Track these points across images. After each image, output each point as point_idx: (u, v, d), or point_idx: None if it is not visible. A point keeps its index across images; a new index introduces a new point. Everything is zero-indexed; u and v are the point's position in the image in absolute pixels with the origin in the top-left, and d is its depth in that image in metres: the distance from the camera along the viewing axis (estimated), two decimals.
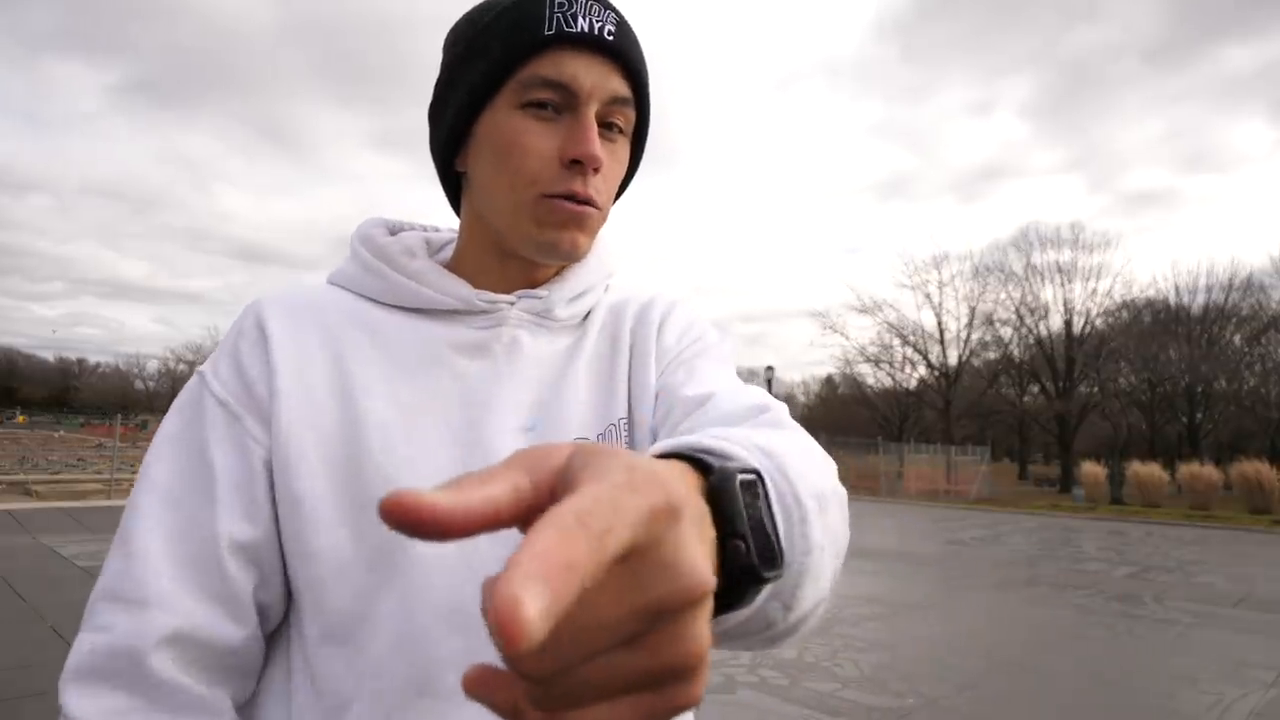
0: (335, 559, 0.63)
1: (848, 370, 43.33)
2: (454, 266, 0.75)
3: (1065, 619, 6.65)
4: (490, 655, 0.57)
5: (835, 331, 37.84)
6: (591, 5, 0.66)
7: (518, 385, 0.70)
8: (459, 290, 0.70)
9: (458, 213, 0.77)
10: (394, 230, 0.78)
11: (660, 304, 0.81)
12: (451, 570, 0.63)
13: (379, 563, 0.62)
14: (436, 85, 0.72)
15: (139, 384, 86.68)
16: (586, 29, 0.64)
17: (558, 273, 0.75)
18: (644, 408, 0.73)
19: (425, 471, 0.64)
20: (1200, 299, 35.01)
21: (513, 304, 0.71)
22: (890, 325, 37.20)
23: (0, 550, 7.72)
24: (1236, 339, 34.54)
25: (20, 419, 62.54)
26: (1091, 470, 22.30)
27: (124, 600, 0.60)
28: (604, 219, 0.71)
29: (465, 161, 0.71)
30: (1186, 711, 4.34)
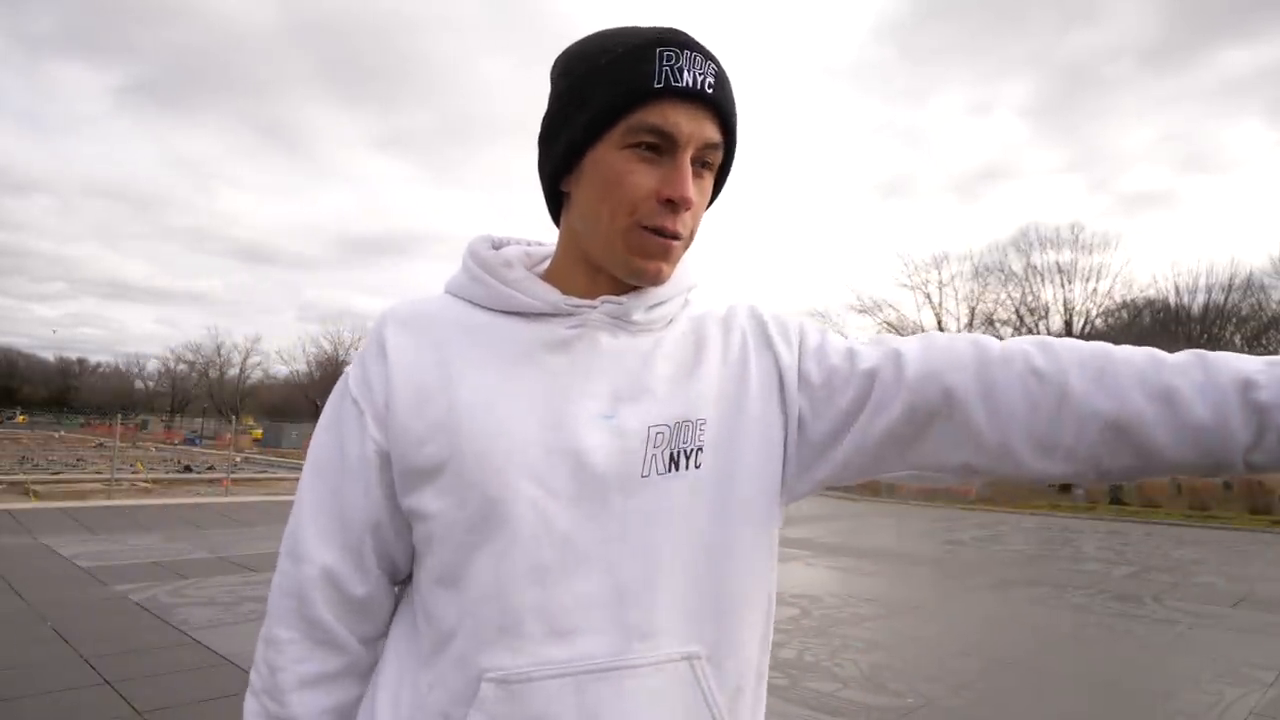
0: (443, 521, 0.76)
1: None
2: (550, 275, 0.85)
3: (1065, 619, 6.66)
4: (562, 605, 0.75)
5: (835, 332, 37.84)
6: (696, 58, 0.75)
7: (596, 377, 0.79)
8: (549, 295, 0.81)
9: (557, 224, 0.86)
10: (498, 245, 0.89)
11: (742, 315, 0.90)
12: (532, 536, 0.74)
13: (476, 525, 0.75)
14: (547, 114, 0.81)
15: (139, 384, 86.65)
16: (690, 84, 0.74)
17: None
18: (734, 429, 0.81)
19: (508, 447, 0.75)
20: (1200, 299, 35.04)
21: (595, 308, 0.81)
22: (890, 325, 37.22)
23: (1, 550, 7.72)
24: (1236, 339, 34.52)
25: (20, 419, 62.55)
26: None
27: (291, 554, 0.81)
28: (688, 245, 0.81)
29: (570, 184, 0.80)
30: (1186, 711, 4.34)
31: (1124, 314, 35.49)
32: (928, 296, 36.80)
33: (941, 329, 37.01)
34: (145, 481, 16.77)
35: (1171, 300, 35.88)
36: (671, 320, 0.86)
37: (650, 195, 0.75)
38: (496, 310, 0.83)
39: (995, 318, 36.08)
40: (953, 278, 37.05)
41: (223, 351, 72.02)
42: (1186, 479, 19.66)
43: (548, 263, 0.88)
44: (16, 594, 5.96)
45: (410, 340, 0.82)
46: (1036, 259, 35.65)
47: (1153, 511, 18.50)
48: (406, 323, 0.84)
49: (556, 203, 0.85)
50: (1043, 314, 35.26)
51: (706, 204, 0.82)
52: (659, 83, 0.73)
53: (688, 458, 0.78)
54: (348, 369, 0.86)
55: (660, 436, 0.78)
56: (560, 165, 0.80)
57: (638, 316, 0.82)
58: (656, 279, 0.79)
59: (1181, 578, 8.97)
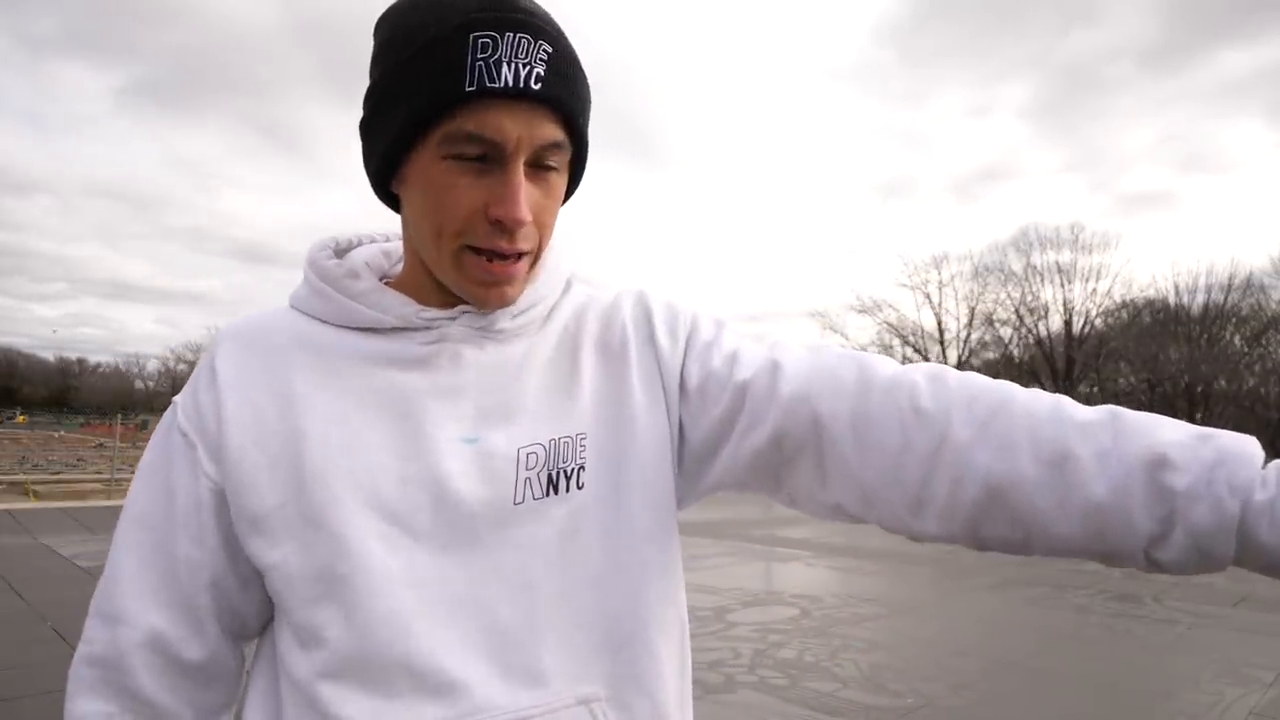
0: (286, 571, 0.67)
1: None
2: (402, 282, 0.75)
3: (1065, 619, 6.65)
4: (433, 657, 0.63)
5: (835, 331, 37.89)
6: (520, 42, 0.62)
7: (458, 397, 0.70)
8: (400, 309, 0.71)
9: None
10: (342, 249, 0.79)
11: (627, 306, 0.79)
12: (388, 582, 0.65)
13: (324, 574, 0.66)
14: (367, 92, 0.69)
15: (139, 384, 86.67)
16: (511, 80, 0.61)
17: None
18: (620, 441, 0.72)
19: (363, 481, 0.67)
20: (1200, 299, 35.05)
21: (454, 319, 0.71)
22: (890, 325, 37.28)
23: (1, 550, 7.72)
24: (1236, 339, 34.55)
25: (20, 419, 62.53)
26: None
27: (104, 615, 0.69)
28: (539, 251, 0.71)
29: (400, 189, 0.70)
30: (1186, 711, 4.34)
31: (1124, 314, 35.53)
32: (927, 296, 36.90)
33: (941, 329, 37.02)
34: None
35: (1171, 300, 35.91)
36: (549, 317, 0.77)
37: (478, 214, 0.64)
38: (342, 326, 0.73)
39: (995, 317, 36.13)
40: (953, 278, 37.14)
41: None
42: None
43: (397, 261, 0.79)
44: (16, 594, 5.96)
45: (245, 361, 0.71)
46: (1036, 259, 35.74)
47: None
48: (242, 341, 0.73)
49: (382, 199, 0.74)
50: (1043, 314, 35.35)
51: (559, 204, 0.71)
52: (471, 85, 0.61)
53: (568, 478, 0.70)
54: (176, 399, 0.73)
55: (533, 457, 0.69)
56: (383, 168, 0.69)
57: (504, 324, 0.72)
58: (502, 303, 0.70)
59: (1181, 578, 8.95)
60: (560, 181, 0.70)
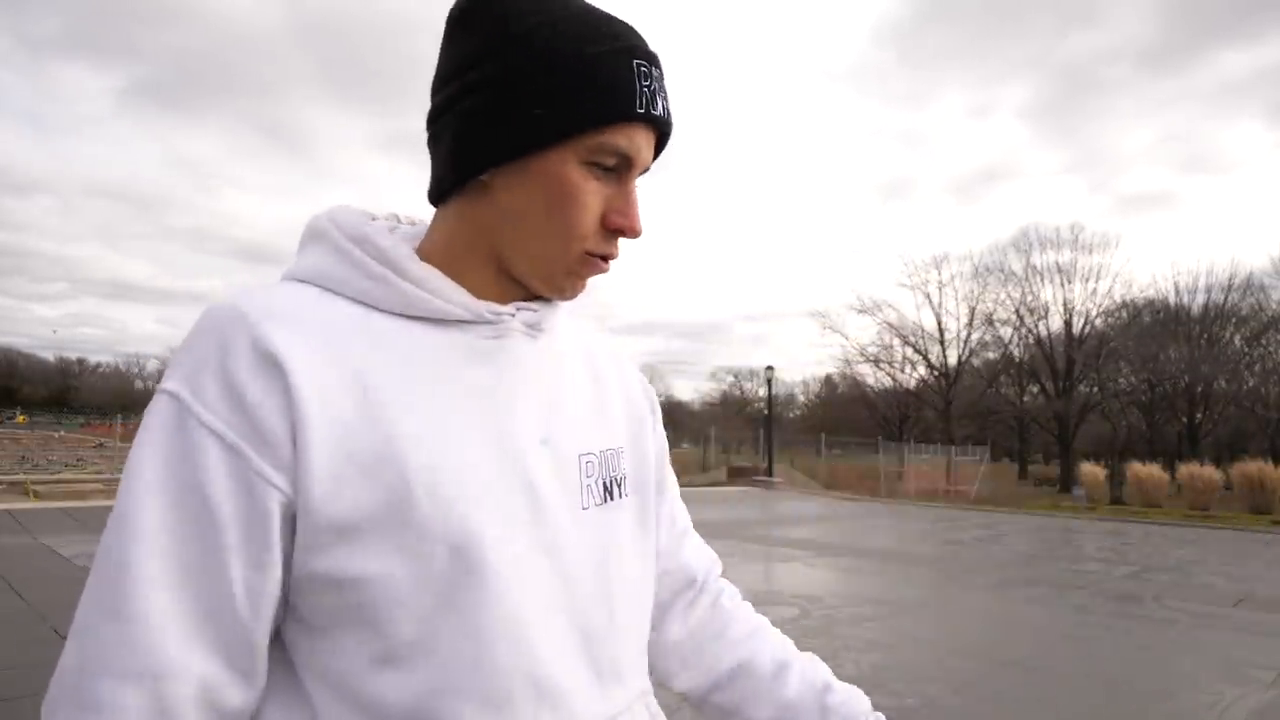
0: (388, 583, 0.60)
1: (848, 370, 43.44)
2: (435, 266, 0.71)
3: (1065, 619, 6.65)
4: (545, 662, 0.66)
5: (835, 331, 37.91)
6: (660, 77, 0.69)
7: (525, 397, 0.71)
8: (468, 301, 0.69)
9: (434, 201, 0.73)
10: (373, 220, 0.75)
11: (633, 367, 0.90)
12: (506, 588, 0.63)
13: (442, 584, 0.61)
14: (483, 80, 0.65)
15: (139, 384, 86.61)
16: (660, 113, 0.68)
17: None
18: (640, 464, 0.83)
19: (470, 485, 0.63)
20: (1200, 299, 35.07)
21: (513, 315, 0.71)
22: (890, 325, 37.27)
23: (1, 550, 7.72)
24: (1236, 339, 34.52)
25: (20, 419, 62.52)
26: (1091, 470, 22.30)
27: (131, 674, 0.55)
28: None
29: (499, 177, 0.67)
30: (1186, 711, 4.34)
31: (1124, 314, 35.53)
32: (927, 296, 36.88)
33: (941, 329, 37.05)
34: None
35: (1171, 300, 35.95)
36: (558, 326, 0.81)
37: (601, 220, 0.69)
38: (393, 313, 0.67)
39: (995, 317, 36.13)
40: (953, 278, 37.16)
41: None
42: (1187, 479, 19.71)
43: (416, 244, 0.73)
44: (16, 594, 5.96)
45: (308, 347, 0.61)
46: (1036, 259, 35.73)
47: (1153, 511, 18.50)
48: (289, 323, 0.62)
49: (457, 185, 0.70)
50: (1043, 314, 35.36)
51: None
52: (641, 108, 0.66)
53: (618, 486, 0.76)
54: (167, 390, 0.60)
55: (590, 465, 0.74)
56: (496, 157, 0.66)
57: (546, 324, 0.75)
58: (574, 297, 0.74)
59: (1181, 578, 8.97)
60: None
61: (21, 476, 17.04)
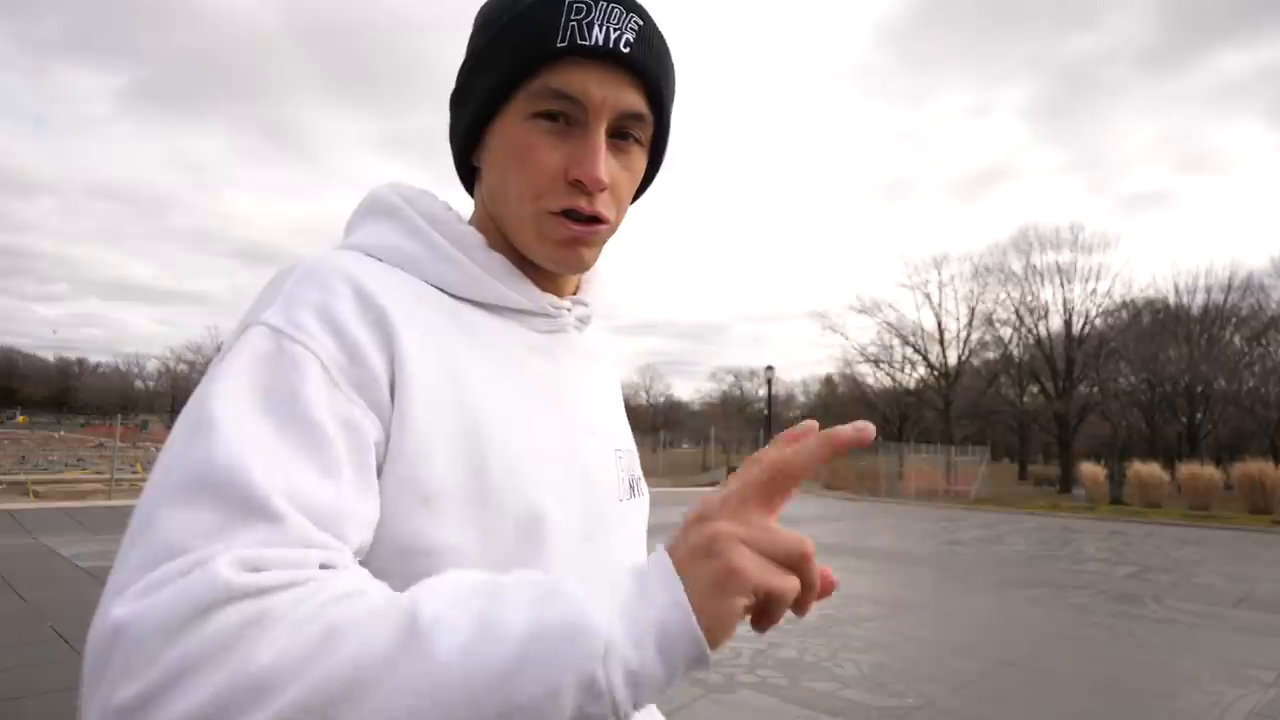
0: (458, 555, 0.57)
1: (848, 370, 43.44)
2: None
3: (1065, 619, 6.65)
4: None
5: (835, 331, 37.91)
6: (613, 10, 0.63)
7: (577, 390, 0.72)
8: (533, 293, 0.70)
9: (471, 195, 0.76)
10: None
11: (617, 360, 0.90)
12: (560, 565, 0.63)
13: (496, 559, 0.60)
14: (460, 71, 0.70)
15: (139, 384, 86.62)
16: (601, 40, 0.62)
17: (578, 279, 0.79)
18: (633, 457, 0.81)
19: (541, 468, 0.64)
20: (1200, 299, 35.07)
21: (569, 310, 0.73)
22: (890, 325, 37.27)
23: (0, 550, 7.72)
24: (1236, 339, 34.52)
25: (21, 419, 62.51)
26: (1091, 470, 22.30)
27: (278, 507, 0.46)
28: (613, 230, 0.70)
29: (481, 159, 0.70)
30: (1186, 711, 4.33)
31: (1124, 314, 35.50)
32: (927, 296, 36.84)
33: (941, 329, 36.99)
34: (145, 481, 16.75)
35: (1171, 300, 35.94)
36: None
37: (558, 173, 0.64)
38: (459, 298, 0.67)
39: (995, 317, 36.10)
40: (953, 278, 37.14)
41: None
42: (1187, 479, 19.72)
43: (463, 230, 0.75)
44: (16, 594, 5.96)
45: (401, 308, 0.60)
46: (1036, 259, 35.69)
47: (1153, 511, 18.50)
48: (392, 290, 0.61)
49: (469, 175, 0.74)
50: (1043, 314, 35.32)
51: (637, 183, 0.70)
52: (563, 41, 0.61)
53: (636, 484, 0.78)
54: (265, 321, 0.54)
55: (621, 459, 0.76)
56: (466, 137, 0.69)
57: (593, 319, 0.77)
58: (580, 266, 0.68)
59: (1181, 578, 8.97)
60: (640, 157, 0.69)
61: (22, 476, 17.04)
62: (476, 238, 0.68)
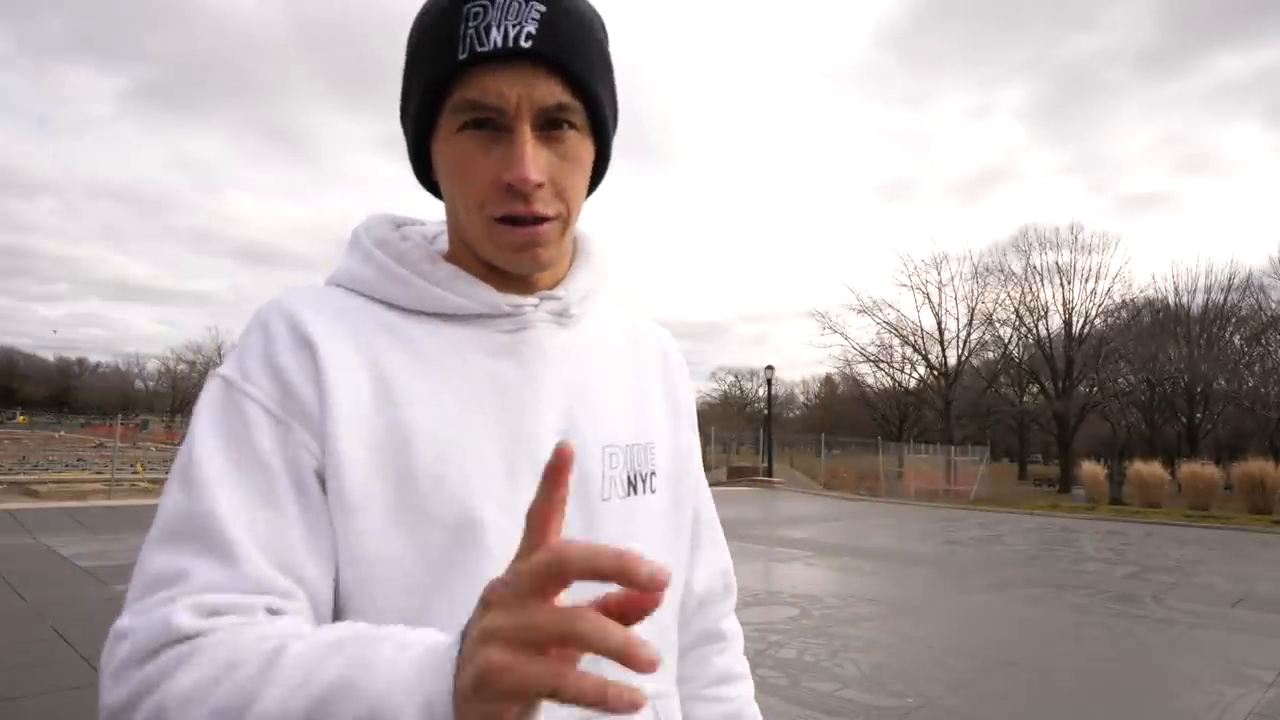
0: (388, 563, 0.62)
1: (848, 370, 43.39)
2: (460, 265, 0.73)
3: (1064, 619, 6.65)
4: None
5: (835, 332, 37.86)
6: (511, 5, 0.62)
7: (548, 388, 0.71)
8: (486, 295, 0.70)
9: None
10: (398, 227, 0.78)
11: (678, 357, 0.88)
12: (500, 570, 0.62)
13: (436, 564, 0.63)
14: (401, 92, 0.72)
15: (139, 384, 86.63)
16: (500, 41, 0.61)
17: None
18: (677, 459, 0.81)
19: (478, 477, 0.65)
20: (1199, 299, 35.06)
21: (535, 306, 0.72)
22: (890, 325, 37.24)
23: (1, 550, 7.72)
24: (1236, 339, 34.50)
25: (21, 419, 62.50)
26: (1091, 470, 22.30)
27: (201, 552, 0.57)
28: (569, 220, 0.69)
29: (437, 175, 0.71)
30: (1186, 711, 4.33)
31: (1124, 314, 35.49)
32: (927, 296, 36.80)
33: (941, 329, 36.95)
34: (145, 482, 16.76)
35: (1171, 300, 35.95)
36: (598, 313, 0.80)
37: (494, 182, 0.64)
38: (417, 312, 0.70)
39: (995, 318, 36.10)
40: (952, 278, 37.08)
41: (223, 351, 72.08)
42: (1187, 479, 19.72)
43: (440, 240, 0.77)
44: (16, 594, 5.96)
45: (332, 335, 0.65)
46: (1036, 259, 35.70)
47: (1153, 511, 18.50)
48: (324, 314, 0.67)
49: (433, 194, 0.74)
50: (1042, 314, 35.35)
51: (587, 170, 0.69)
52: (463, 53, 0.61)
53: (644, 481, 0.75)
54: (221, 374, 0.65)
55: (614, 457, 0.73)
56: (417, 160, 0.71)
57: (575, 310, 0.75)
58: (538, 266, 0.69)
59: (1181, 578, 8.97)
60: (580, 144, 0.67)
61: (22, 476, 17.05)
62: (421, 252, 0.72)
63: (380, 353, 0.66)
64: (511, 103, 0.62)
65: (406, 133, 0.70)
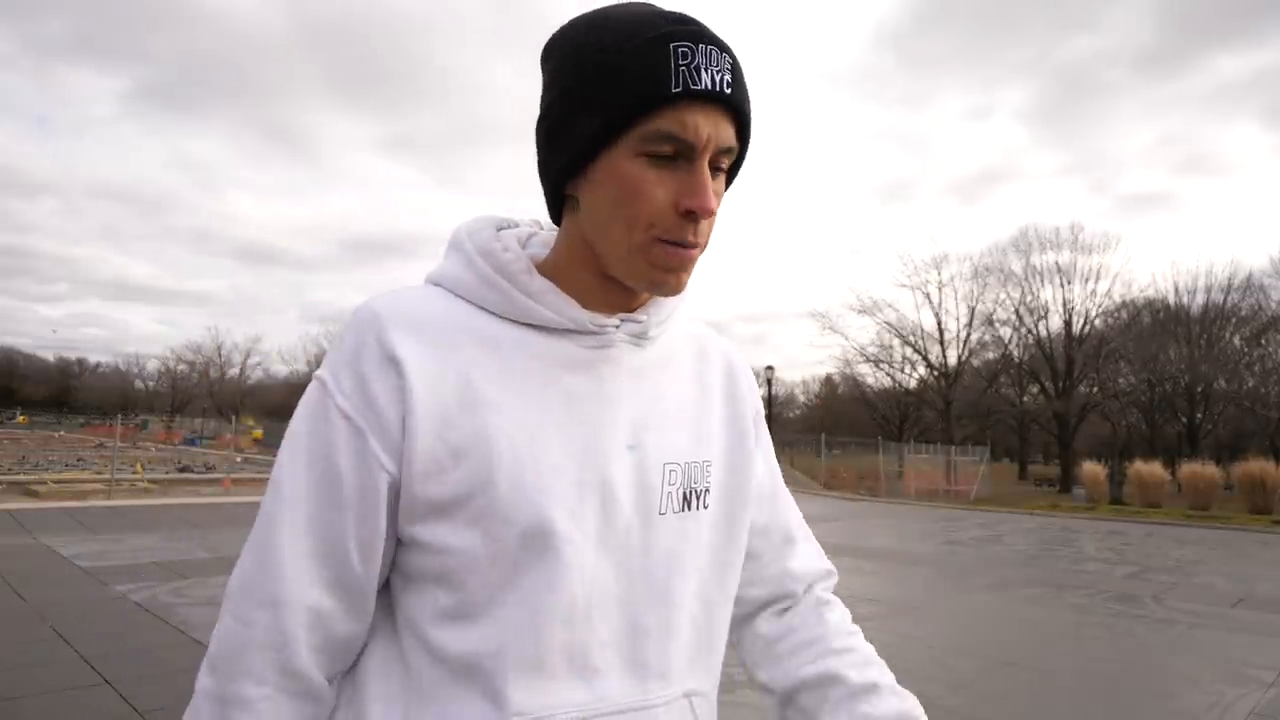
0: (466, 555, 0.69)
1: (848, 370, 43.41)
2: (551, 276, 0.78)
3: (1065, 619, 6.66)
4: (586, 645, 0.72)
5: (835, 332, 37.85)
6: (711, 53, 0.68)
7: (620, 405, 0.76)
8: (574, 313, 0.75)
9: (556, 222, 0.81)
10: (498, 229, 0.82)
11: (744, 369, 0.92)
12: (568, 573, 0.70)
13: (510, 560, 0.69)
14: (548, 110, 0.74)
15: (139, 384, 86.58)
16: (709, 85, 0.68)
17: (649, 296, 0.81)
18: (734, 476, 0.85)
19: (550, 486, 0.70)
20: (1200, 299, 35.03)
21: (617, 327, 0.77)
22: (890, 325, 37.23)
23: (1, 550, 7.72)
24: (1236, 339, 34.49)
25: (21, 419, 62.52)
26: (1091, 470, 22.30)
27: (262, 599, 0.69)
28: (703, 251, 0.75)
29: (578, 189, 0.74)
30: (1186, 711, 4.34)
31: (1124, 314, 35.48)
32: (927, 296, 36.78)
33: (941, 329, 36.92)
34: (145, 482, 16.76)
35: (1171, 300, 35.92)
36: (670, 330, 0.84)
37: (668, 207, 0.70)
38: (509, 319, 0.75)
39: (995, 318, 36.09)
40: (952, 278, 37.02)
41: (223, 351, 72.14)
42: (1187, 479, 19.72)
43: (538, 252, 0.81)
44: (16, 594, 5.96)
45: (424, 349, 0.71)
46: (1036, 259, 35.69)
47: (1153, 511, 18.50)
48: (414, 326, 0.72)
49: (559, 203, 0.79)
50: (1043, 314, 35.33)
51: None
52: (677, 87, 0.67)
53: (698, 498, 0.79)
54: (320, 376, 0.73)
55: (674, 474, 0.78)
56: (566, 171, 0.74)
57: (653, 333, 0.80)
58: (677, 290, 0.75)
59: (1181, 578, 8.97)
60: (722, 186, 0.75)
61: (22, 476, 17.05)
62: (521, 264, 0.76)
63: (468, 361, 0.72)
64: (703, 140, 0.69)
65: (558, 144, 0.73)
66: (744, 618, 0.92)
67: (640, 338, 0.78)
